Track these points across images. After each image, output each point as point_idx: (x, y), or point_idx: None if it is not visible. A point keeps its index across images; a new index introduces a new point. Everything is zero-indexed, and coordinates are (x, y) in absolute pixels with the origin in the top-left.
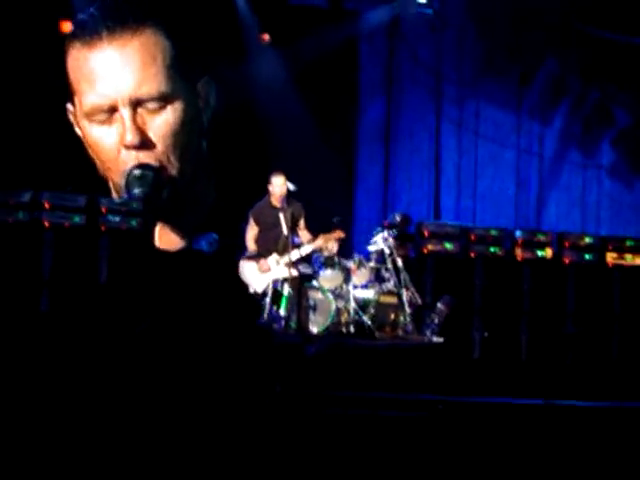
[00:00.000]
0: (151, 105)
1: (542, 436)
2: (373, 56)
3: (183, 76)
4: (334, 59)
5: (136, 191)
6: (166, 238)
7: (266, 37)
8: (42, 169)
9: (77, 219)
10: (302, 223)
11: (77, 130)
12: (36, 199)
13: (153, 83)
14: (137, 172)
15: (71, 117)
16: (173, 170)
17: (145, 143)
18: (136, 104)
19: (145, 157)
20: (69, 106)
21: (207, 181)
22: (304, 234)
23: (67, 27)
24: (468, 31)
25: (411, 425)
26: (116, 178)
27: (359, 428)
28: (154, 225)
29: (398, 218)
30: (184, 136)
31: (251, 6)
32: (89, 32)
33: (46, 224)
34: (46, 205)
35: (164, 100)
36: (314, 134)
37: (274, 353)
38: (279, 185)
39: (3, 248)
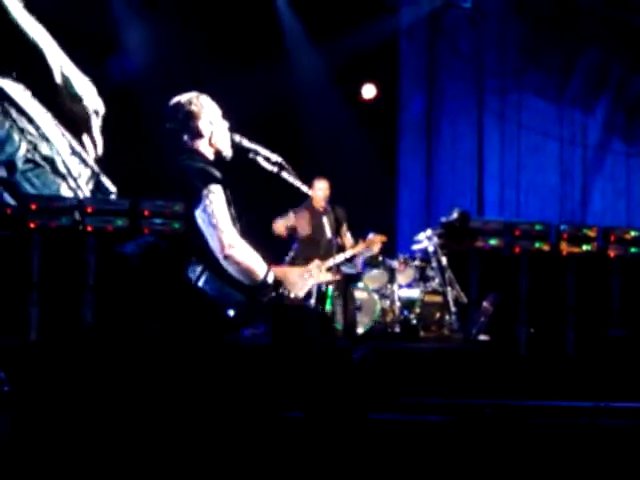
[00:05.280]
0: None
1: (592, 441)
2: (413, 50)
3: None
4: (374, 53)
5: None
6: None
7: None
8: None
9: (120, 222)
10: (345, 227)
11: None
12: (80, 203)
13: None
14: None
15: None
16: None
17: None
18: None
19: None
20: None
21: None
22: (347, 239)
23: None
24: (508, 22)
25: (458, 430)
26: None
27: (407, 434)
28: None
29: (456, 214)
30: None
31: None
32: None
33: (89, 228)
34: (89, 209)
35: None
36: (354, 130)
37: None
38: (322, 188)
39: (46, 253)
